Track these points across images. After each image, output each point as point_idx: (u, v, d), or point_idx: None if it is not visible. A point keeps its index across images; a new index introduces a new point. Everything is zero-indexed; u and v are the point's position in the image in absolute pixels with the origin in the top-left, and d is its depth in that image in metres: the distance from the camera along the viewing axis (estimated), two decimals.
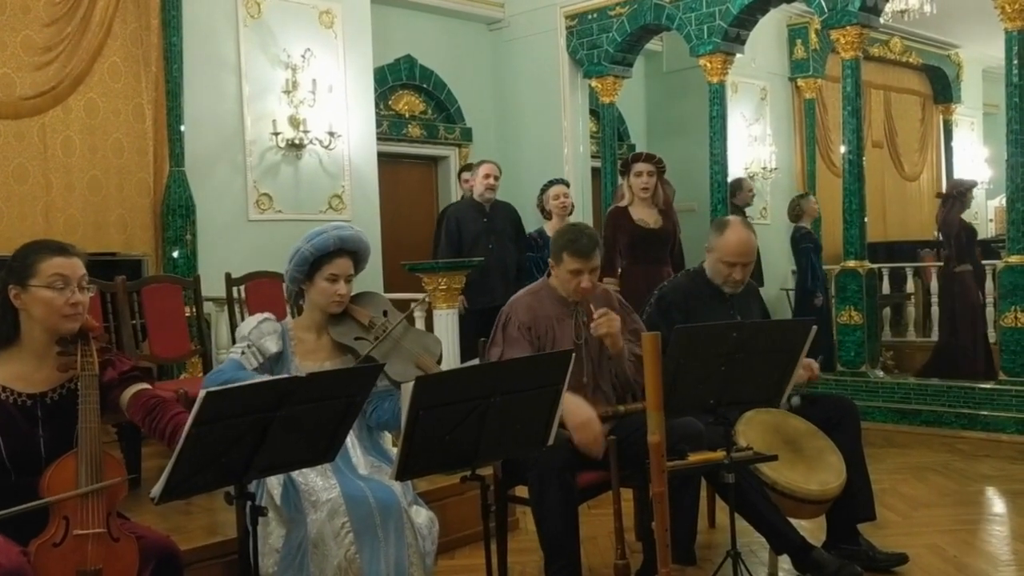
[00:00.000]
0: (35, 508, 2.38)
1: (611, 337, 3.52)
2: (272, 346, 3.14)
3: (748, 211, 8.85)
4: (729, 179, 8.24)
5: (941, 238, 8.16)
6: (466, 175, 7.38)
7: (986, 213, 14.03)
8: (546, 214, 6.72)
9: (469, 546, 4.15)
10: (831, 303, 7.88)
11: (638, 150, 10.33)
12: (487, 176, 6.67)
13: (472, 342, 4.05)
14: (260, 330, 3.16)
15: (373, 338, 3.17)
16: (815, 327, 3.29)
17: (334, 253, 3.18)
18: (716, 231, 3.93)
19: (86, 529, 2.41)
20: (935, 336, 8.96)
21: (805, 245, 8.31)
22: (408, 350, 3.16)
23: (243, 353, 3.12)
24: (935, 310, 9.00)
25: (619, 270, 5.99)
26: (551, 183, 6.83)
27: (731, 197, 8.71)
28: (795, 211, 8.54)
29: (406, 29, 8.70)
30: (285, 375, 2.85)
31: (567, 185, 6.86)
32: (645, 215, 5.92)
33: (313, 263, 3.19)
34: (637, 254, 5.91)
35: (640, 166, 5.92)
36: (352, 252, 3.23)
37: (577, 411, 3.34)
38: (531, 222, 7.22)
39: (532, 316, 3.61)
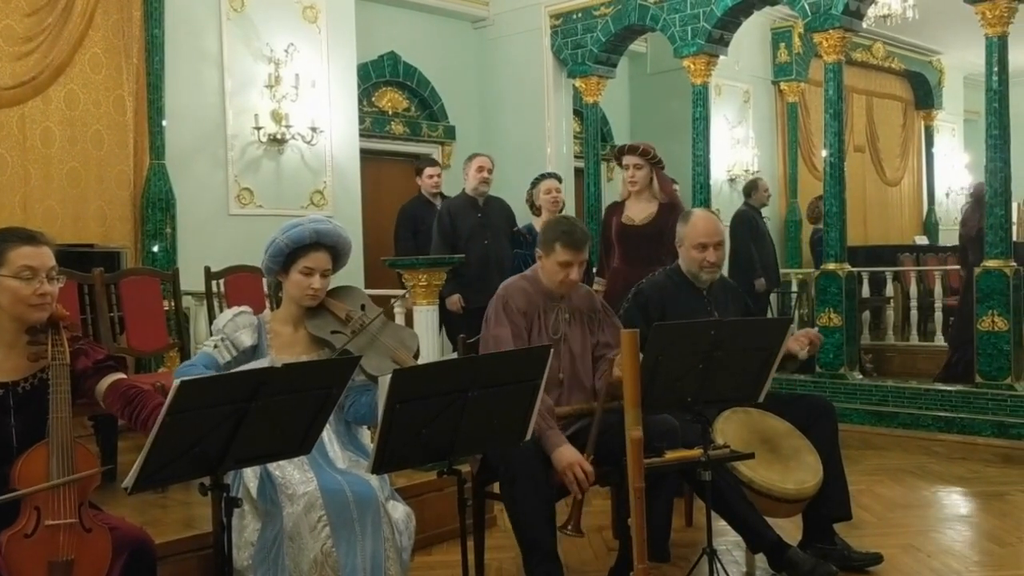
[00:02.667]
0: (8, 501, 2.35)
1: None
2: (247, 339, 3.12)
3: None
4: (713, 180, 8.26)
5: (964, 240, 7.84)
6: (430, 170, 7.22)
7: None
8: (536, 209, 6.49)
9: (446, 543, 4.14)
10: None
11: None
12: (480, 169, 6.40)
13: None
14: (235, 323, 3.14)
15: (350, 332, 3.15)
16: (794, 324, 3.30)
17: (310, 246, 3.14)
18: (682, 222, 4.03)
19: (58, 520, 2.39)
20: (914, 339, 9.02)
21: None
22: (384, 344, 3.15)
23: (216, 346, 3.10)
24: (914, 313, 9.06)
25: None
26: (543, 176, 6.56)
27: (746, 197, 8.73)
28: (815, 212, 8.35)
29: (390, 26, 8.70)
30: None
31: (559, 180, 6.60)
32: (635, 211, 5.53)
33: (289, 255, 3.15)
34: (622, 252, 5.59)
35: (626, 159, 5.57)
36: (330, 247, 3.19)
37: (562, 455, 3.31)
38: (520, 218, 7.13)
39: (527, 302, 3.60)
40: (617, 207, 5.67)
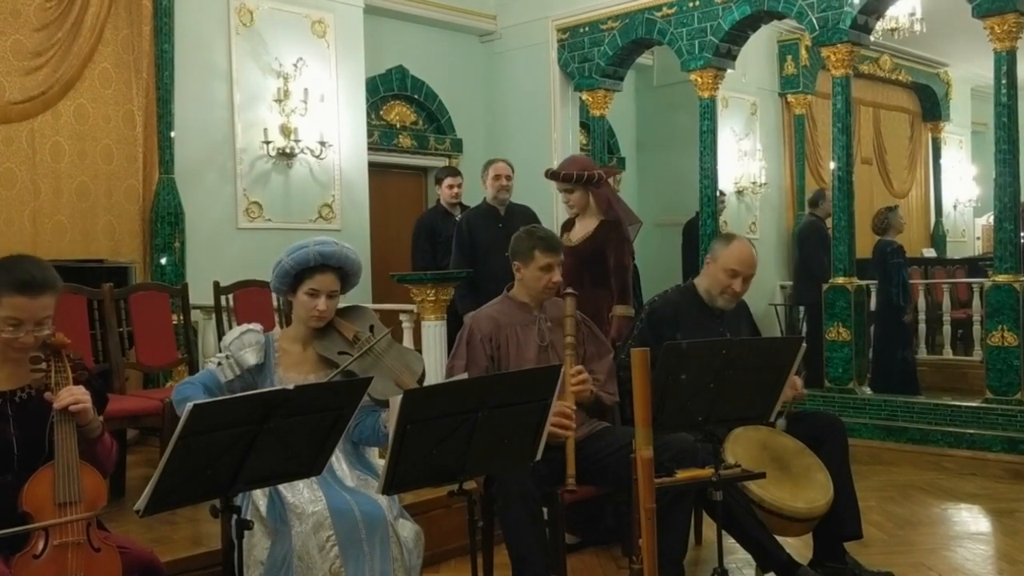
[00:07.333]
0: (17, 533, 2.35)
1: (586, 392, 3.62)
2: (251, 358, 3.11)
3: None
4: (719, 190, 8.25)
5: None
6: (450, 180, 6.93)
7: (973, 231, 14.13)
8: None
9: (455, 559, 4.14)
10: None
11: (627, 163, 10.43)
12: (498, 176, 6.06)
13: None
14: (241, 341, 3.14)
15: (356, 353, 3.14)
16: (804, 344, 3.29)
17: (315, 268, 3.14)
18: (722, 243, 3.98)
19: (65, 538, 2.39)
20: (922, 353, 8.98)
21: (897, 260, 7.94)
22: (389, 367, 3.14)
23: (219, 364, 3.10)
24: (922, 327, 9.02)
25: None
26: None
27: (813, 208, 8.66)
28: (882, 224, 8.04)
29: (398, 40, 8.71)
30: (270, 387, 2.83)
31: None
32: (575, 231, 5.14)
33: (295, 277, 3.16)
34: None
35: (557, 185, 5.26)
36: (336, 268, 3.18)
37: None
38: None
39: (494, 327, 3.72)
40: (565, 224, 5.36)
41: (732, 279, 3.89)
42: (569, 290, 3.81)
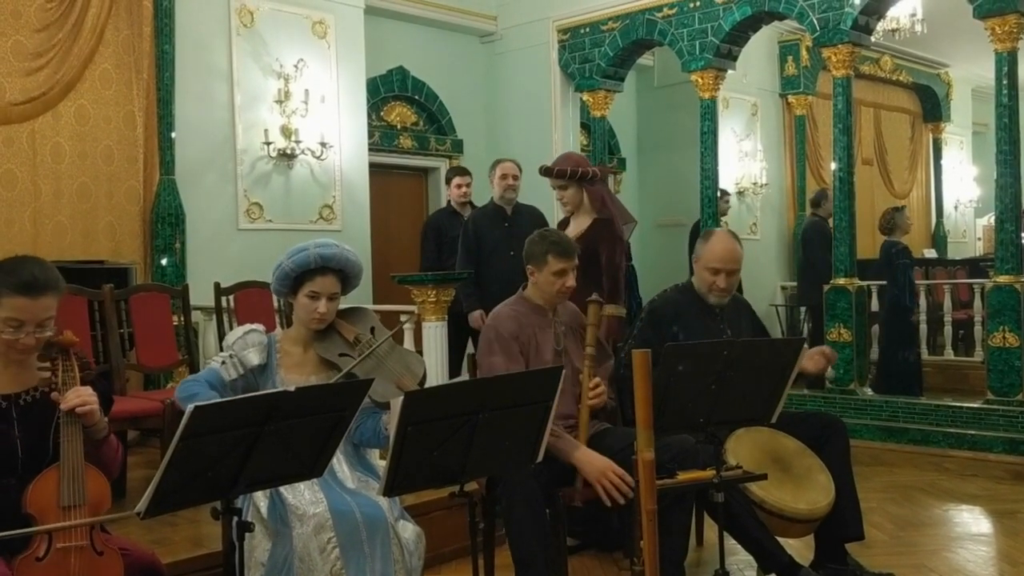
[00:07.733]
0: (23, 535, 2.35)
1: (601, 404, 3.66)
2: (254, 358, 3.11)
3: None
4: (716, 192, 8.25)
5: None
6: (458, 180, 6.81)
7: (974, 232, 14.13)
8: None
9: (456, 561, 4.14)
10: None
11: (627, 164, 10.43)
12: (504, 176, 6.00)
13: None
14: (245, 341, 3.14)
15: (357, 355, 3.14)
16: (806, 345, 3.28)
17: (316, 271, 3.13)
18: (702, 240, 3.99)
19: (68, 542, 2.38)
20: (924, 354, 8.97)
21: (903, 260, 7.89)
22: (390, 370, 3.14)
23: (224, 363, 3.10)
24: (923, 328, 9.02)
25: None
26: None
27: (815, 208, 8.70)
28: (888, 224, 7.98)
29: (399, 40, 8.71)
30: (272, 389, 2.83)
31: None
32: (571, 228, 5.07)
33: (296, 279, 3.15)
34: None
35: (551, 182, 5.19)
36: (337, 270, 3.18)
37: (592, 462, 3.42)
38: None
39: (518, 325, 3.70)
40: (561, 223, 5.30)
41: (715, 276, 3.90)
42: (594, 297, 3.78)
